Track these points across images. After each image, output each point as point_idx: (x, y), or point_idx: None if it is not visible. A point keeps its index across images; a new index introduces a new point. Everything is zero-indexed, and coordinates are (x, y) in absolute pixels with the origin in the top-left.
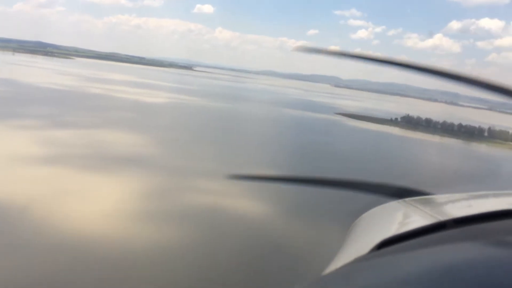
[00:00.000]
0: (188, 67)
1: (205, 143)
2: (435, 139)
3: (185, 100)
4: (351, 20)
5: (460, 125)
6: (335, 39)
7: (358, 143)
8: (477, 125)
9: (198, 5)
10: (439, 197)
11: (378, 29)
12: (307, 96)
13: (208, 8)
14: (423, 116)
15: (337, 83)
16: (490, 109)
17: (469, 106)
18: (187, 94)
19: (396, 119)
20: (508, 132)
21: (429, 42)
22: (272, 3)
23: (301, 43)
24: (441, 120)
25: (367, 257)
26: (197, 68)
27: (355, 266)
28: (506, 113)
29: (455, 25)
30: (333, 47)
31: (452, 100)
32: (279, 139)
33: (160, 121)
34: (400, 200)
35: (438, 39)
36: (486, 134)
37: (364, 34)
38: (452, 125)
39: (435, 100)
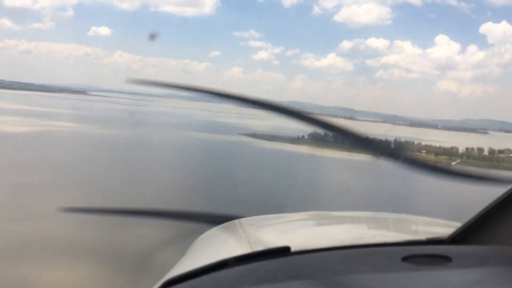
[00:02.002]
0: (82, 92)
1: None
2: (343, 155)
3: (52, 127)
4: (251, 41)
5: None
6: (237, 60)
7: (251, 165)
8: (383, 138)
9: (93, 28)
10: (275, 217)
11: (277, 50)
12: (211, 117)
13: (104, 31)
14: (330, 133)
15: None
16: (384, 121)
17: (365, 120)
18: (61, 120)
19: (303, 136)
20: (414, 143)
21: (324, 62)
22: (172, 25)
23: (204, 65)
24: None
25: None
26: (93, 93)
27: None
28: (399, 124)
29: (346, 44)
30: (236, 69)
31: (351, 115)
32: (163, 167)
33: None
34: (236, 220)
35: (332, 58)
36: (392, 146)
37: (264, 55)
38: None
39: (335, 116)
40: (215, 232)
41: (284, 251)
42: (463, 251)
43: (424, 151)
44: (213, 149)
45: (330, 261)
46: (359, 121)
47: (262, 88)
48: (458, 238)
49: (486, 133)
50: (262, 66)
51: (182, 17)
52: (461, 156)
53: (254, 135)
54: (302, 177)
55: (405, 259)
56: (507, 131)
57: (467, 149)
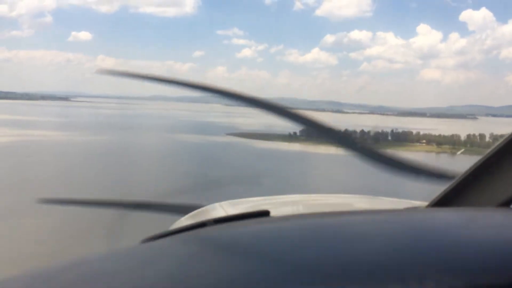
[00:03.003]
0: (64, 98)
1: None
2: (338, 151)
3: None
4: (235, 39)
5: (363, 132)
6: (221, 59)
7: (241, 167)
8: (379, 130)
9: (73, 33)
10: (253, 200)
11: (261, 47)
12: (198, 117)
13: (85, 35)
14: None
15: (228, 101)
16: (371, 112)
17: (353, 112)
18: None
19: (295, 133)
20: (412, 133)
21: (308, 57)
22: (154, 26)
23: (188, 65)
24: (342, 130)
25: (125, 249)
26: (76, 99)
27: (111, 256)
28: (387, 114)
29: (329, 38)
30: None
31: (338, 108)
32: (148, 173)
33: None
34: (217, 204)
35: (316, 53)
36: (390, 138)
37: (248, 52)
38: (355, 133)
39: (323, 110)
40: (197, 213)
41: (263, 215)
42: (440, 211)
43: (424, 141)
44: (199, 151)
45: (308, 225)
46: (347, 113)
47: (247, 85)
48: (438, 205)
49: (476, 118)
50: (246, 64)
51: (164, 17)
52: (465, 144)
53: (243, 135)
54: (294, 175)
55: None
56: (494, 115)
57: (468, 136)
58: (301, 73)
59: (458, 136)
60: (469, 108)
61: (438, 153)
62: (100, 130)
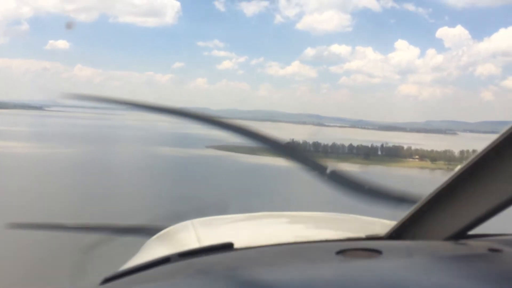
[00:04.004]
0: (38, 107)
1: None
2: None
3: None
4: (215, 51)
5: (351, 147)
6: (202, 71)
7: (219, 185)
8: (368, 144)
9: (50, 41)
10: (227, 218)
11: (242, 59)
12: (177, 129)
13: (63, 44)
14: (310, 140)
15: (208, 113)
16: (352, 126)
17: (334, 126)
18: None
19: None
20: (403, 148)
21: (289, 69)
22: (134, 37)
23: (168, 76)
24: (329, 143)
25: None
26: (51, 109)
27: None
28: (368, 128)
29: (310, 52)
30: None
31: (319, 121)
32: (121, 190)
33: None
34: (188, 221)
35: (296, 66)
36: (380, 153)
37: (229, 64)
38: (343, 147)
39: (304, 123)
40: (166, 232)
41: (227, 247)
42: (394, 245)
43: (416, 157)
44: (176, 167)
45: (268, 256)
46: (328, 126)
47: (227, 98)
48: (395, 234)
49: (455, 133)
50: (226, 76)
51: (144, 27)
52: (460, 160)
53: (224, 147)
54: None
55: (339, 252)
56: (471, 131)
57: (462, 152)
58: (281, 86)
59: (451, 152)
60: (446, 124)
61: (433, 169)
62: (73, 142)
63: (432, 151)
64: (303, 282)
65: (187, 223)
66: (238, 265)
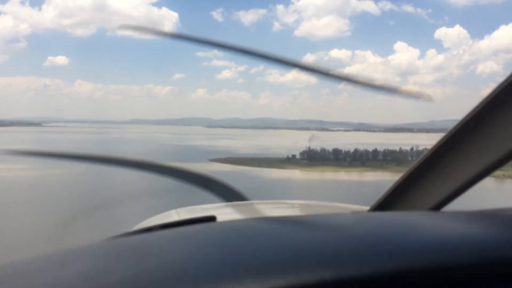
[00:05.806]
0: (36, 124)
1: None
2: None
3: None
4: (215, 61)
5: (375, 152)
6: (202, 81)
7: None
8: (382, 149)
9: (50, 58)
10: (212, 206)
11: (241, 68)
12: (178, 141)
13: (62, 60)
14: (329, 147)
15: (209, 123)
16: (356, 129)
17: (338, 130)
18: None
19: (294, 156)
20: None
21: (289, 76)
22: (132, 50)
23: (168, 88)
24: (351, 150)
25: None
26: (50, 124)
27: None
28: (373, 131)
29: (310, 57)
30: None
31: (322, 126)
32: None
33: None
34: (173, 210)
35: (296, 72)
36: (410, 158)
37: (228, 74)
38: (366, 152)
39: (307, 129)
40: (150, 221)
41: (210, 220)
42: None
43: None
44: (178, 183)
45: (252, 228)
46: (332, 131)
47: (228, 107)
48: (379, 209)
49: None
50: (226, 85)
51: (142, 40)
52: None
53: (228, 160)
54: None
55: None
56: None
57: None
58: (281, 93)
59: None
60: (448, 123)
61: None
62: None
63: None
64: (286, 253)
65: (172, 212)
66: (220, 235)
